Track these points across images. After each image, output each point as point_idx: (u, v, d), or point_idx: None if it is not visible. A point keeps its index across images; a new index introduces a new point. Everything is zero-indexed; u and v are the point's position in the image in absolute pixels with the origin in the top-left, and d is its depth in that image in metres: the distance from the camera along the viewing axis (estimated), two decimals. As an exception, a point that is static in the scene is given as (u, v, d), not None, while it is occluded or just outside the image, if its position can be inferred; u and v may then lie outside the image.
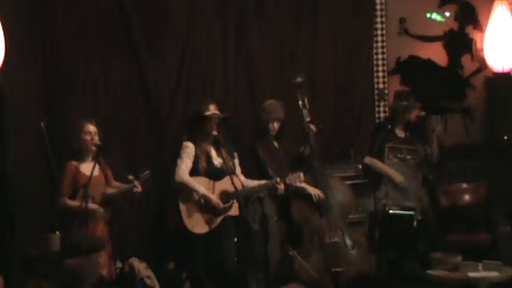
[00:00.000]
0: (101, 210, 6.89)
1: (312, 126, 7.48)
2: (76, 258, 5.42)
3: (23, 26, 7.98)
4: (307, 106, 7.49)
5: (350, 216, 7.62)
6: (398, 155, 7.65)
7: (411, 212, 7.45)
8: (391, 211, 7.45)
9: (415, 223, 7.43)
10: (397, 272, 7.35)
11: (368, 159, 7.68)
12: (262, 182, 7.22)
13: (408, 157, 7.65)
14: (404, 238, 7.44)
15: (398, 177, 7.60)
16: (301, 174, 7.14)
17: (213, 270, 7.13)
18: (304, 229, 7.36)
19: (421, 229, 7.49)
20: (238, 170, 7.28)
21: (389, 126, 7.70)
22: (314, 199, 7.34)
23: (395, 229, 7.44)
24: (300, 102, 7.48)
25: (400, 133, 7.76)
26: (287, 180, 7.12)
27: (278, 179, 7.12)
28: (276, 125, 7.49)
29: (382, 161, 7.64)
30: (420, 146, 7.66)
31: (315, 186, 7.40)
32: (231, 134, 7.65)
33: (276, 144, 7.56)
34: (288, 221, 7.41)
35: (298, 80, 7.52)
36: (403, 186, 7.59)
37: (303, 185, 7.32)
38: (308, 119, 7.48)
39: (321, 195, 7.35)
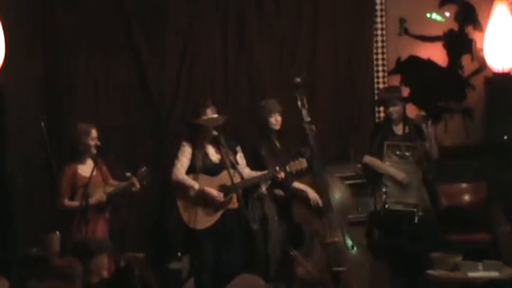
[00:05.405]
0: (104, 198, 6.92)
1: (312, 127, 7.44)
2: (82, 260, 5.43)
3: (23, 26, 7.98)
4: (306, 106, 7.45)
5: (350, 216, 7.58)
6: (398, 152, 7.59)
7: (413, 209, 7.43)
8: (391, 208, 7.44)
9: (416, 219, 7.41)
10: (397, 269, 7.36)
11: (367, 159, 7.65)
12: (263, 172, 7.19)
13: (407, 154, 7.58)
14: (406, 235, 7.42)
15: (399, 174, 7.55)
16: (304, 161, 7.13)
17: (216, 269, 7.13)
18: (304, 229, 7.34)
19: (422, 226, 7.46)
20: (243, 163, 7.26)
21: (387, 124, 7.71)
22: (312, 204, 7.29)
23: (397, 227, 7.44)
24: (299, 103, 7.42)
25: (398, 130, 7.70)
26: (287, 167, 7.10)
27: (278, 168, 7.10)
28: (278, 118, 7.42)
29: (382, 159, 7.62)
30: (419, 142, 7.58)
31: (315, 187, 7.36)
32: (232, 133, 7.66)
33: (277, 143, 7.51)
34: (289, 222, 7.39)
35: (297, 80, 7.47)
36: (404, 183, 7.55)
37: (304, 187, 7.31)
38: (308, 119, 7.43)
39: (319, 201, 7.30)
